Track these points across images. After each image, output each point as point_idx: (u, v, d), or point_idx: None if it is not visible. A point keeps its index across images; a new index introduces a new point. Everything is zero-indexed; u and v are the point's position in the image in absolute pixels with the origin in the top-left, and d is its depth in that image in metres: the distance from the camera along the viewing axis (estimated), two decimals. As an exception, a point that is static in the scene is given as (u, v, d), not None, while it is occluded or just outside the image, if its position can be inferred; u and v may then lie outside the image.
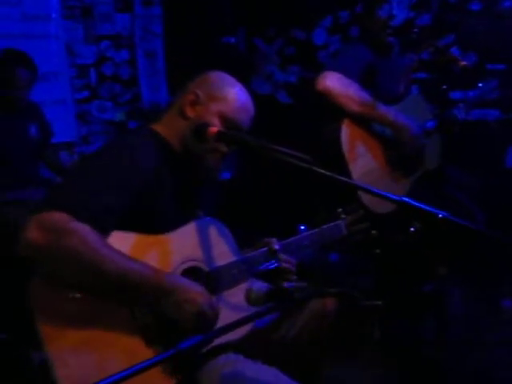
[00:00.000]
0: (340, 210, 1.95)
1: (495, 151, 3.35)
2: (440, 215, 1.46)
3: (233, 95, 1.67)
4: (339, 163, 2.34)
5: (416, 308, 2.78)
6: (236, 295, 1.59)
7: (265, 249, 1.67)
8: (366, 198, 2.27)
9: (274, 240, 1.72)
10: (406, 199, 1.49)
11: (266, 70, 4.49)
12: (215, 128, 1.58)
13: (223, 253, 1.62)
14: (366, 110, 2.40)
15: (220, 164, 1.69)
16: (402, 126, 2.42)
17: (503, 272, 3.05)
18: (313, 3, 4.15)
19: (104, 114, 4.11)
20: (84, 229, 1.33)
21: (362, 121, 2.43)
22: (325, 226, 1.89)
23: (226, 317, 1.52)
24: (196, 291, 1.45)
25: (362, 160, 2.39)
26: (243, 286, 1.59)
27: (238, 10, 4.46)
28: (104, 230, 1.39)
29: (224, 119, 1.64)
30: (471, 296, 3.24)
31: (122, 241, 1.43)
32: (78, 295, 1.36)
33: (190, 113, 1.65)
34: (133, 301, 1.41)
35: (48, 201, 1.39)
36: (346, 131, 2.39)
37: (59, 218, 1.32)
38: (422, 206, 1.49)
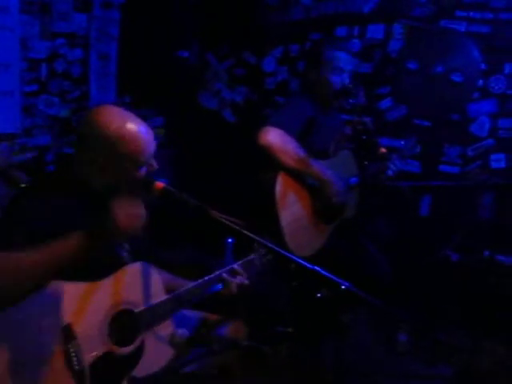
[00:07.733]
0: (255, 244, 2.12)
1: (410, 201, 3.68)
2: (343, 286, 1.73)
3: (137, 142, 1.76)
4: (270, 209, 2.59)
5: (319, 334, 3.06)
6: (162, 331, 1.83)
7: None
8: (291, 244, 2.53)
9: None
10: (318, 268, 1.76)
11: (215, 86, 4.68)
12: (161, 184, 1.77)
13: (150, 295, 1.81)
14: (301, 167, 2.67)
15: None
16: (328, 181, 2.70)
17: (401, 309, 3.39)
18: (267, 32, 4.38)
19: (50, 108, 4.15)
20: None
21: (296, 175, 2.69)
22: (234, 265, 2.09)
23: (156, 349, 1.78)
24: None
25: (292, 208, 2.65)
26: (167, 323, 1.86)
27: (195, 23, 4.62)
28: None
29: (141, 164, 1.79)
30: (371, 328, 3.58)
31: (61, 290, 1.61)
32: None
33: (104, 177, 1.79)
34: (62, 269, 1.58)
35: None
36: (281, 182, 2.65)
37: None
38: (329, 275, 1.76)
